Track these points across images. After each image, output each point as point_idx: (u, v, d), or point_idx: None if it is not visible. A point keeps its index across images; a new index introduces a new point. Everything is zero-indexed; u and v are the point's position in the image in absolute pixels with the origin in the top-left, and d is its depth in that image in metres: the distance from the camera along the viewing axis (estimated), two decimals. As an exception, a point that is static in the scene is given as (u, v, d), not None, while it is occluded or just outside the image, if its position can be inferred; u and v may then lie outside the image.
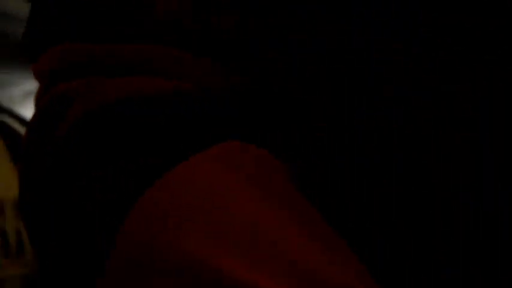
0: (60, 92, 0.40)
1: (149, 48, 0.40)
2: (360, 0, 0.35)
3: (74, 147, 0.38)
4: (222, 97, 0.38)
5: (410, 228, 0.33)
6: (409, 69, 0.34)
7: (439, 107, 0.34)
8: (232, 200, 0.33)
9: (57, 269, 0.38)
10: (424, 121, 0.34)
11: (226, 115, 0.37)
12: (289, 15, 0.37)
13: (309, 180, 0.35)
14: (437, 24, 0.35)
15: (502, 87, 0.34)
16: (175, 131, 0.36)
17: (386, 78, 0.34)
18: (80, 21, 0.43)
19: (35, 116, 0.42)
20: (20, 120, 1.13)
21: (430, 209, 0.33)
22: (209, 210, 0.33)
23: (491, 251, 0.33)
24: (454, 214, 0.33)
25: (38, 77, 0.43)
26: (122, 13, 0.41)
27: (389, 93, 0.34)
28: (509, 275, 0.33)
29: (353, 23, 0.35)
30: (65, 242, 0.38)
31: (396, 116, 0.34)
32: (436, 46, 0.35)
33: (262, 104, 0.38)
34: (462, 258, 0.33)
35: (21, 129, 1.09)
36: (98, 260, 0.34)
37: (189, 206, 0.33)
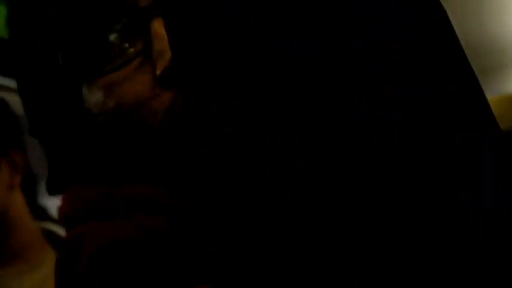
0: (74, 235, 0.42)
1: (149, 190, 0.41)
2: (360, 0, 0.36)
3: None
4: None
5: (410, 228, 0.33)
6: (409, 69, 0.34)
7: (439, 107, 0.34)
8: None
9: None
10: (424, 121, 0.34)
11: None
12: (289, 15, 0.37)
13: (309, 181, 0.35)
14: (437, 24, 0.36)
15: None
16: (176, 265, 0.38)
17: (386, 78, 0.35)
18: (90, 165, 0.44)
19: (59, 256, 0.44)
20: None
21: (430, 209, 0.33)
22: None
23: (491, 251, 0.33)
24: (454, 214, 0.33)
25: (58, 218, 0.46)
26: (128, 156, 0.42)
27: (390, 93, 0.34)
28: (509, 274, 0.33)
29: (353, 23, 0.35)
30: None
31: (396, 116, 0.34)
32: (436, 46, 0.35)
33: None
34: (462, 258, 0.33)
35: None
36: None
37: None
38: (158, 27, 0.39)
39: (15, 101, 1.07)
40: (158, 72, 0.38)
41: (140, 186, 0.42)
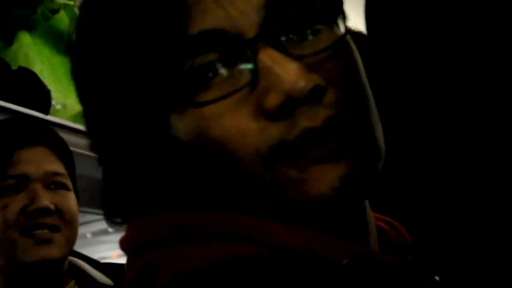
0: (146, 263, 0.41)
1: (225, 217, 0.40)
2: None
3: None
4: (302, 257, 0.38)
5: None
6: None
7: None
8: None
9: None
10: None
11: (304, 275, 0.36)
12: None
13: None
14: None
15: None
16: None
17: None
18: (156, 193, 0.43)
19: (128, 282, 0.43)
20: (90, 261, 1.13)
21: None
22: None
23: None
24: None
25: (124, 247, 0.45)
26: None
27: None
28: None
29: None
30: None
31: None
32: None
33: None
34: None
35: (91, 270, 1.08)
36: None
37: None
38: (265, 58, 0.38)
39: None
40: (268, 105, 0.38)
41: (220, 214, 0.40)
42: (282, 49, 0.39)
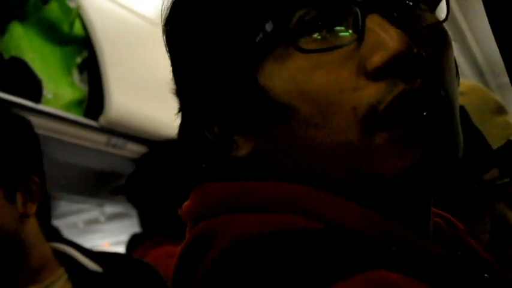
0: (202, 230, 0.41)
1: (283, 187, 0.41)
2: None
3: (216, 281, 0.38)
4: (356, 233, 0.38)
5: None
6: None
7: None
8: None
9: None
10: None
11: (362, 249, 0.37)
12: None
13: None
14: None
15: None
16: (312, 264, 0.35)
17: None
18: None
19: (183, 249, 0.43)
20: (81, 249, 1.11)
21: None
22: None
23: None
24: None
25: (185, 215, 0.45)
26: None
27: None
28: None
29: None
30: None
31: None
32: None
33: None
34: None
35: (80, 258, 1.08)
36: None
37: None
38: (374, 20, 0.39)
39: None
40: (372, 63, 0.39)
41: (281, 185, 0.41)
42: (390, 16, 0.40)
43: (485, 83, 3.43)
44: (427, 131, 0.39)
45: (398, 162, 0.39)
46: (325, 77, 0.39)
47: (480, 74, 3.45)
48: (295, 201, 0.40)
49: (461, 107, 0.52)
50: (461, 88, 0.62)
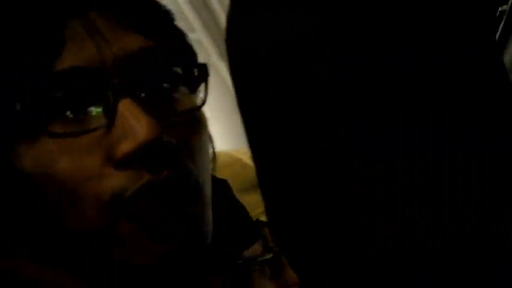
0: None
1: (31, 268, 0.42)
2: None
3: None
4: None
5: None
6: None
7: None
8: None
9: None
10: None
11: None
12: None
13: None
14: None
15: None
16: None
17: None
18: None
19: None
20: None
21: None
22: None
23: None
24: None
25: None
26: None
27: None
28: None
29: None
30: None
31: None
32: None
33: None
34: None
35: None
36: None
37: None
38: (125, 106, 0.39)
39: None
40: (119, 152, 0.38)
41: None
42: (144, 102, 0.39)
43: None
44: (172, 224, 0.40)
45: (144, 254, 0.40)
46: (71, 162, 0.38)
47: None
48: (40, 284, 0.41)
49: (224, 181, 0.55)
50: (224, 159, 0.64)
